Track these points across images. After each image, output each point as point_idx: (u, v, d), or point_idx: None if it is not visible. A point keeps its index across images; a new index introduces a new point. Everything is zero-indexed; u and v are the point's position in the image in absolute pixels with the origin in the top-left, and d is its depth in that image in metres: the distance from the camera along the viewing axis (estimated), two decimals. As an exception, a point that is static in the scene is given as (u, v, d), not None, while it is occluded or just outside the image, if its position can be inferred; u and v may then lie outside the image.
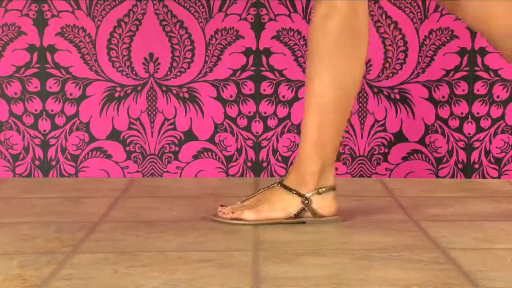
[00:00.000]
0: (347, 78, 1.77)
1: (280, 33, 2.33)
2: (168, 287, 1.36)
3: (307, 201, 1.79)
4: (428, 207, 1.98)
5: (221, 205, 1.85)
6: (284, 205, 1.80)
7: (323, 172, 1.80)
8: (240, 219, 1.80)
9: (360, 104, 2.35)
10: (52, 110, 2.35)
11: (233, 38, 2.34)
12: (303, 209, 1.80)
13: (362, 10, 1.76)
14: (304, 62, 2.34)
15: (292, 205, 1.80)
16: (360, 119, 2.36)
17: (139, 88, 2.35)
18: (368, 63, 2.34)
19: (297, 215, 1.80)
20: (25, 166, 2.36)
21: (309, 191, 1.80)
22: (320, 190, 1.80)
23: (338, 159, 2.36)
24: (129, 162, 2.37)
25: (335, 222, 1.82)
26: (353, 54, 1.77)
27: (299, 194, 1.79)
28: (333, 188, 1.82)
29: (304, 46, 2.33)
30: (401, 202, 2.04)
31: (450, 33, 2.33)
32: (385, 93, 2.35)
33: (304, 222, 1.80)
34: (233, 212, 1.81)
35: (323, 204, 1.81)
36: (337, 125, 1.80)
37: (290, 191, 1.80)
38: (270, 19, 2.33)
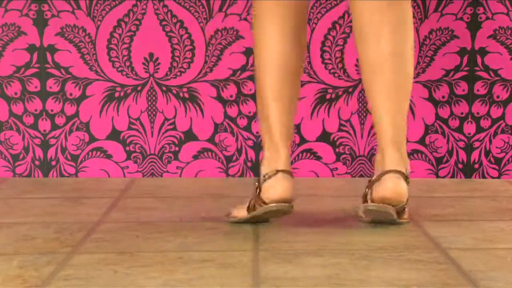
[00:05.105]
0: (267, 57, 1.76)
1: (280, 33, 2.33)
2: (168, 287, 1.36)
3: (257, 190, 1.76)
4: (428, 207, 1.98)
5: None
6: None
7: (272, 157, 1.76)
8: (234, 217, 1.81)
9: (360, 104, 2.35)
10: (52, 110, 2.35)
11: (233, 38, 2.34)
12: (251, 200, 1.78)
13: None
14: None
15: None
16: (360, 119, 2.36)
17: (139, 88, 2.35)
18: (368, 63, 2.34)
19: (251, 207, 1.77)
20: (25, 166, 2.36)
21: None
22: (264, 176, 1.75)
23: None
24: (129, 162, 2.37)
25: (275, 209, 1.73)
26: (275, 29, 1.77)
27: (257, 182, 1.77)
28: (278, 172, 1.74)
29: (304, 46, 2.33)
30: (401, 202, 2.04)
31: (450, 33, 2.33)
32: (385, 93, 2.35)
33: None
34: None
35: (268, 189, 1.73)
36: (273, 107, 1.76)
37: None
38: (270, 19, 2.33)
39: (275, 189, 1.73)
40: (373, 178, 1.73)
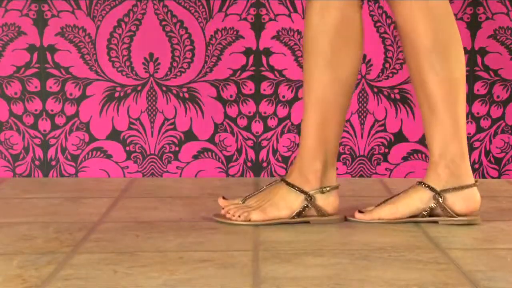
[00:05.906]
0: (347, 73, 1.77)
1: (280, 33, 2.33)
2: (168, 287, 1.36)
3: (310, 199, 1.79)
4: (428, 207, 1.98)
5: (223, 197, 1.86)
6: (288, 203, 1.80)
7: (326, 170, 1.81)
8: (248, 220, 1.80)
9: (360, 104, 2.35)
10: (52, 110, 2.35)
11: (233, 38, 2.34)
12: (306, 207, 1.80)
13: (356, 3, 1.76)
14: (304, 62, 2.33)
15: (296, 203, 1.80)
16: (360, 119, 2.36)
17: (139, 88, 2.35)
18: (368, 63, 2.34)
19: (300, 213, 1.80)
20: (25, 166, 2.36)
21: (312, 188, 1.80)
22: (324, 189, 1.80)
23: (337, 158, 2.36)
24: (129, 162, 2.37)
25: (338, 221, 1.82)
26: (352, 47, 1.77)
27: (302, 192, 1.79)
28: (336, 187, 1.82)
29: (304, 46, 2.33)
30: (401, 202, 2.04)
31: (450, 33, 2.32)
32: (385, 93, 2.35)
33: (308, 222, 1.80)
34: (239, 216, 1.80)
35: (327, 201, 1.81)
36: (339, 121, 1.80)
37: (293, 189, 1.80)
38: (270, 19, 2.33)
39: (336, 201, 1.83)
40: (448, 188, 1.80)
